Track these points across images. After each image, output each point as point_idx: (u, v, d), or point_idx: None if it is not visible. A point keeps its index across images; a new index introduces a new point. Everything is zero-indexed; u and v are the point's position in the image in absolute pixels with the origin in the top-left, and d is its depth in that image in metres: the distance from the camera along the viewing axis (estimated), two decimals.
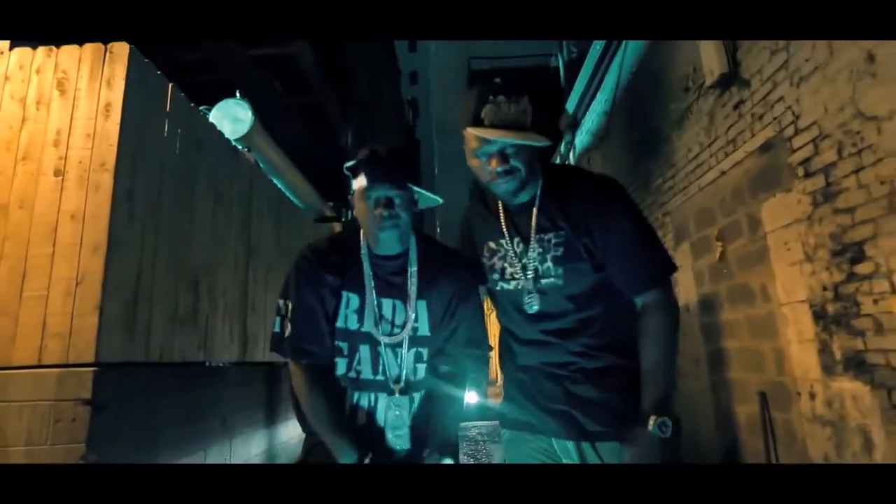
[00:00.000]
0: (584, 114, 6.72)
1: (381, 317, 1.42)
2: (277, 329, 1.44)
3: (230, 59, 10.78)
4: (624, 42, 5.10)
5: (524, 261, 1.47)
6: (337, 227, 10.36)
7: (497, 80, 1.41)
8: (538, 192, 1.47)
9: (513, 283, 1.49)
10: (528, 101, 1.41)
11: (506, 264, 1.51)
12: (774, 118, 2.86)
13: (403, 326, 1.42)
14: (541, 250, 1.45)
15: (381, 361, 1.41)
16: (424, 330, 1.46)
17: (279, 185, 6.74)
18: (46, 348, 2.58)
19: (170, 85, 3.43)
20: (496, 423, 7.00)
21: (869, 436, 2.33)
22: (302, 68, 11.73)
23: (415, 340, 1.45)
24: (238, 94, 6.58)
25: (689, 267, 4.04)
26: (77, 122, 2.86)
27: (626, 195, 1.54)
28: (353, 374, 1.43)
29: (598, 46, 5.64)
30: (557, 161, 8.05)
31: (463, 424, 7.94)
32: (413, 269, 1.45)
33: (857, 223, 2.33)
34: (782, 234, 2.87)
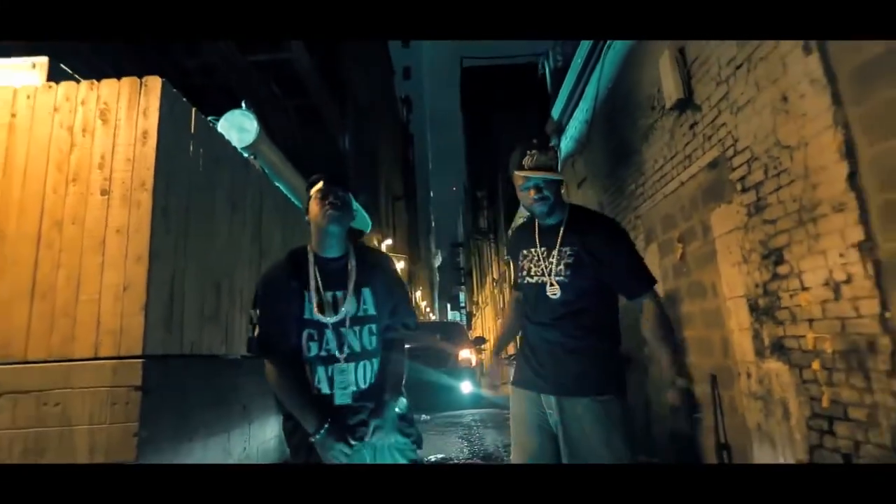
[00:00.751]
0: (568, 120, 7.19)
1: (327, 304, 1.83)
2: (250, 334, 1.86)
3: (230, 63, 11.11)
4: (602, 57, 5.56)
5: (545, 264, 2.07)
6: None
7: (534, 140, 2.05)
8: (564, 219, 2.10)
9: (536, 278, 2.10)
10: (555, 152, 2.08)
11: (531, 265, 2.13)
12: (719, 140, 3.35)
13: (339, 309, 1.84)
14: (559, 258, 2.05)
15: (340, 340, 1.81)
16: (372, 310, 1.87)
17: (282, 188, 7.18)
18: (102, 344, 3.04)
19: (193, 109, 3.87)
20: (489, 410, 7.53)
21: (787, 406, 2.84)
22: (299, 71, 12.09)
23: (366, 319, 1.85)
24: (244, 105, 7.01)
25: (657, 265, 4.53)
26: (118, 147, 3.31)
27: (624, 231, 2.20)
28: (323, 353, 1.81)
29: (579, 59, 6.10)
30: None
31: (458, 412, 8.45)
32: (352, 264, 1.87)
33: (778, 232, 2.82)
34: (726, 239, 3.36)
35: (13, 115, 3.34)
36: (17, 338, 3.03)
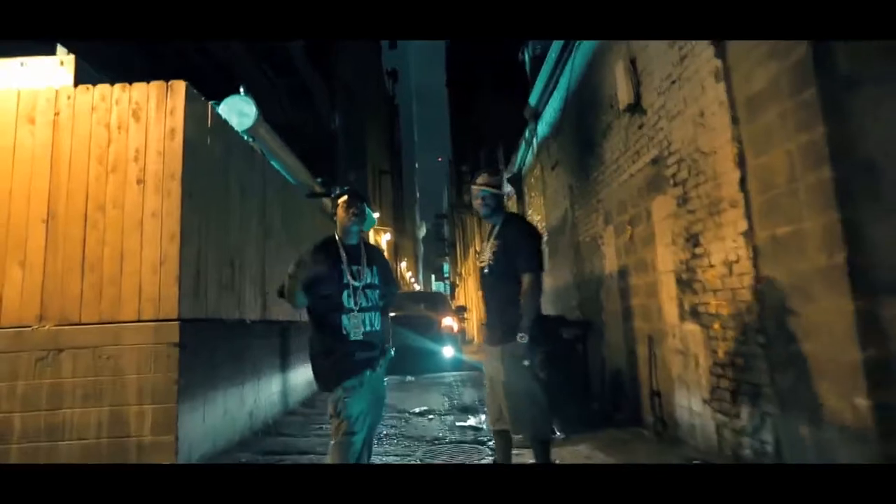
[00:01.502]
0: (545, 107, 7.78)
1: (353, 274, 2.60)
2: (281, 284, 2.56)
3: (225, 46, 11.38)
4: (573, 53, 6.13)
5: (485, 253, 3.06)
6: (328, 203, 11.34)
7: (488, 167, 2.96)
8: (499, 222, 3.10)
9: (481, 262, 3.12)
10: (500, 176, 3.02)
11: (481, 253, 3.16)
12: (658, 142, 4.01)
13: (361, 278, 2.62)
14: (490, 248, 3.05)
15: (357, 298, 2.59)
16: (376, 281, 2.70)
17: (278, 167, 7.70)
18: (143, 309, 3.66)
19: (209, 106, 4.41)
20: (470, 372, 8.36)
21: (698, 359, 3.60)
22: (290, 51, 12.34)
23: (373, 286, 2.67)
24: (242, 91, 7.46)
25: (613, 244, 5.25)
26: (150, 142, 3.86)
27: (528, 233, 3.09)
28: (352, 305, 2.58)
29: (553, 54, 6.66)
30: (521, 148, 9.18)
31: (441, 374, 9.25)
32: (363, 251, 2.71)
33: (696, 221, 3.53)
34: (662, 224, 4.07)
35: (56, 114, 3.86)
36: (73, 304, 3.64)
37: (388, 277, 2.80)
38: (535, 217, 9.13)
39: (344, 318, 2.53)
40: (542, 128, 8.05)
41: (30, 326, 3.58)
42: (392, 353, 2.73)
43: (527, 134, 8.84)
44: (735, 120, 3.02)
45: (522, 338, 2.75)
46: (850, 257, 2.27)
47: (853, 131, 2.33)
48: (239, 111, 7.08)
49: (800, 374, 2.60)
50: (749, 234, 2.95)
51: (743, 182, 2.98)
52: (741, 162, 2.99)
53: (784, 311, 2.69)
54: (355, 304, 2.55)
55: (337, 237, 2.67)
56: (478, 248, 20.22)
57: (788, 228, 2.63)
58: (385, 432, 4.90)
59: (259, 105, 7.70)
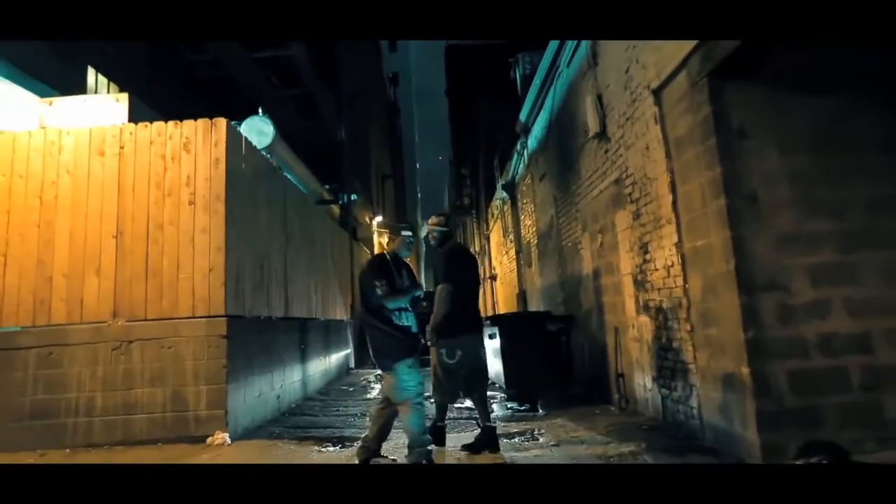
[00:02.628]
0: (533, 123, 8.59)
1: (402, 281, 3.46)
2: (384, 290, 3.36)
3: (234, 59, 12.17)
4: (555, 79, 6.94)
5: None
6: (335, 208, 12.19)
7: (435, 212, 3.98)
8: (441, 250, 4.00)
9: None
10: (445, 217, 3.86)
11: None
12: (619, 166, 4.83)
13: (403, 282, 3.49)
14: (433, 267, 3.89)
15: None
16: (412, 285, 3.55)
17: (293, 179, 8.53)
18: (196, 307, 4.49)
19: (243, 137, 5.23)
20: None
21: (648, 345, 4.41)
22: (296, 64, 13.09)
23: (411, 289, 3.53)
24: (261, 111, 8.29)
25: (589, 249, 6.06)
26: (199, 170, 4.68)
27: (450, 256, 3.93)
28: (405, 305, 3.44)
29: (538, 80, 7.47)
30: (514, 158, 10.00)
31: None
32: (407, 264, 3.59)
33: (646, 232, 4.34)
34: (623, 234, 4.89)
35: (121, 147, 4.69)
36: (139, 304, 4.47)
37: (414, 281, 3.65)
38: (527, 222, 9.95)
39: (403, 314, 3.40)
40: (532, 142, 8.87)
41: (105, 322, 4.42)
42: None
43: (518, 146, 9.65)
44: (668, 155, 3.83)
45: (430, 334, 3.71)
46: (738, 264, 3.09)
47: (741, 170, 3.15)
48: (258, 130, 7.92)
49: (712, 353, 3.42)
50: (679, 245, 3.77)
51: (675, 204, 3.80)
52: (673, 188, 3.80)
53: (701, 305, 3.52)
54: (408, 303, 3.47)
55: (388, 255, 3.55)
56: (477, 249, 21.10)
57: (702, 242, 3.45)
58: None
59: (269, 116, 8.54)
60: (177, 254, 4.56)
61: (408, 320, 3.41)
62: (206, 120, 4.78)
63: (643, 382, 4.62)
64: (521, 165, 9.93)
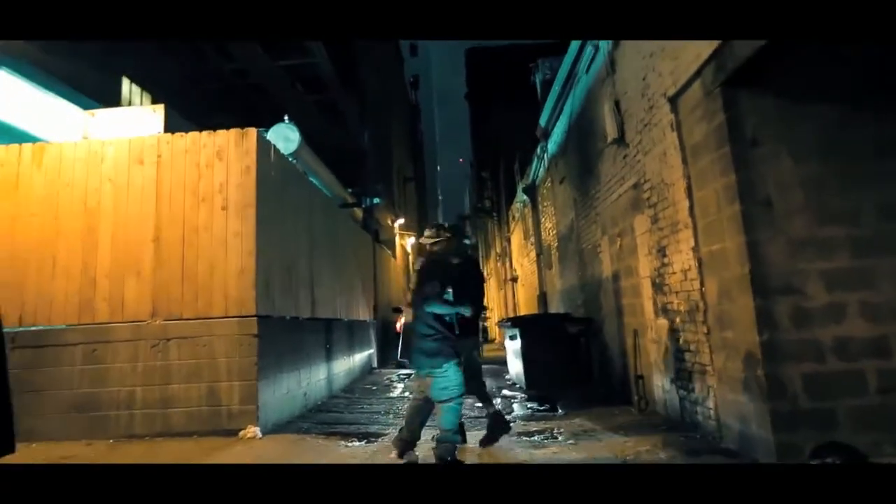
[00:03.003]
0: (553, 127, 8.68)
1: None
2: (439, 298, 3.55)
3: (260, 67, 12.51)
4: (574, 85, 7.02)
5: None
6: (358, 211, 12.45)
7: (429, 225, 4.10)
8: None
9: None
10: (443, 229, 3.86)
11: None
12: (637, 171, 4.91)
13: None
14: None
15: None
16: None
17: (317, 183, 8.77)
18: (229, 308, 4.72)
19: (272, 146, 5.46)
20: (490, 366, 9.29)
21: (667, 346, 4.48)
22: (320, 72, 13.37)
23: None
24: (286, 119, 8.56)
25: (608, 252, 6.14)
26: (231, 177, 4.92)
27: (472, 270, 4.29)
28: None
29: (557, 87, 7.56)
30: (535, 161, 10.09)
31: None
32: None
33: (664, 237, 4.42)
34: (641, 237, 4.96)
35: (159, 156, 4.96)
36: (176, 304, 4.72)
37: (463, 290, 3.81)
38: (548, 224, 10.02)
39: (448, 316, 3.56)
40: (552, 146, 8.95)
41: (145, 321, 4.68)
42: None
43: (538, 150, 9.74)
44: (685, 161, 3.91)
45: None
46: (753, 268, 3.16)
47: (755, 177, 3.22)
48: (284, 137, 8.18)
49: (728, 355, 3.49)
50: (696, 249, 3.84)
51: (691, 209, 3.87)
52: (689, 194, 3.88)
53: (717, 308, 3.59)
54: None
55: (439, 259, 3.84)
56: (498, 251, 21.26)
57: (718, 246, 3.52)
58: None
59: (294, 122, 8.80)
60: (211, 257, 4.80)
61: (454, 321, 3.60)
62: (238, 130, 5.01)
63: (661, 384, 4.69)
64: (542, 169, 10.02)
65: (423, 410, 3.62)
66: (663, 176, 4.33)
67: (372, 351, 10.25)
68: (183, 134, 5.04)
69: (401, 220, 17.47)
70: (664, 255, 4.45)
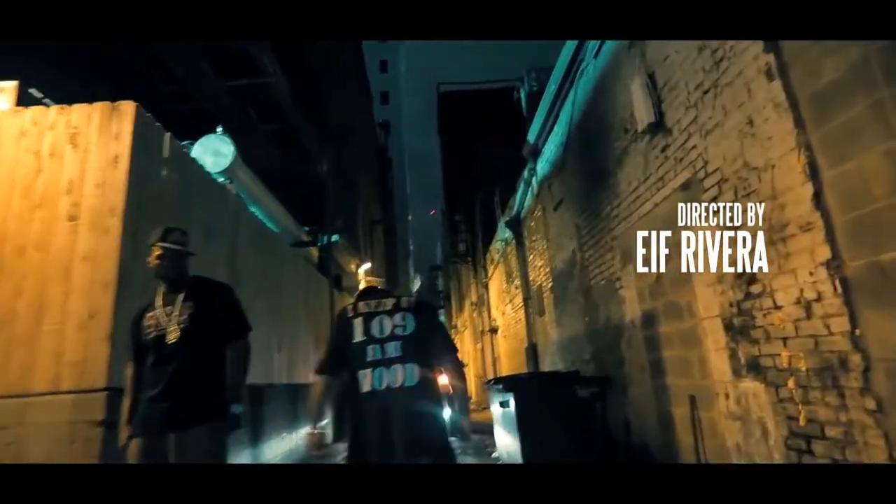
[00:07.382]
0: (544, 144, 7.31)
1: None
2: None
3: (205, 89, 11.00)
4: (575, 82, 5.70)
5: None
6: (314, 251, 10.71)
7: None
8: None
9: None
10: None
11: None
12: (690, 162, 3.43)
13: None
14: None
15: None
16: None
17: (258, 214, 7.09)
18: (61, 376, 2.90)
19: (167, 135, 3.81)
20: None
21: (766, 426, 2.85)
22: (276, 96, 12.00)
23: None
24: (220, 129, 6.96)
25: (634, 286, 4.57)
26: (88, 172, 3.23)
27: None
28: None
29: (553, 86, 6.24)
30: (520, 189, 8.67)
31: None
32: None
33: (750, 251, 2.87)
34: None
35: None
36: None
37: None
38: (538, 262, 8.49)
39: None
40: (543, 166, 7.56)
41: None
42: None
43: (525, 174, 8.34)
44: (800, 123, 2.43)
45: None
46: None
47: None
48: (215, 150, 6.55)
49: None
50: (834, 264, 2.29)
51: (818, 198, 2.36)
52: (813, 173, 2.37)
53: (894, 363, 2.00)
54: None
55: None
56: (474, 300, 19.62)
57: (891, 255, 1.98)
58: None
59: (243, 151, 7.21)
60: (41, 293, 3.02)
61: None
62: (106, 103, 3.37)
63: None
64: (529, 197, 8.59)
65: None
66: (746, 157, 2.84)
67: (325, 422, 8.24)
68: (20, 109, 3.36)
69: (367, 265, 15.72)
70: (752, 281, 2.89)
